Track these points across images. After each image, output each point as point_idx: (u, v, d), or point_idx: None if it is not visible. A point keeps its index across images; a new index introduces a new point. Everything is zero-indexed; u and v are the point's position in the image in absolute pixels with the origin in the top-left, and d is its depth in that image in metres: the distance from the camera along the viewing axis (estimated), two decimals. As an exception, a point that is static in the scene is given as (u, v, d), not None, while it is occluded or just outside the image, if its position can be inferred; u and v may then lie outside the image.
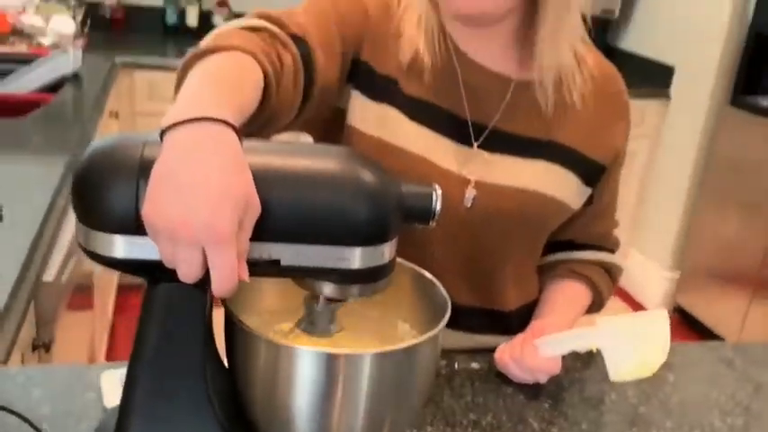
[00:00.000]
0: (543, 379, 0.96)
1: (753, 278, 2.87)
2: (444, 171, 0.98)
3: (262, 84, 0.73)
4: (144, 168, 0.57)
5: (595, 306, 1.16)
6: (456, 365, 0.98)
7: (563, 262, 1.15)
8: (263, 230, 0.59)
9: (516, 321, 1.09)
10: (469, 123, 1.00)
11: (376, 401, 0.66)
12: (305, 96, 0.86)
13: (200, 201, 0.54)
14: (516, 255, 1.06)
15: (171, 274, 0.56)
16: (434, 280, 0.77)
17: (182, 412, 0.64)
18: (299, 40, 0.85)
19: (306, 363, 0.64)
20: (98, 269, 2.11)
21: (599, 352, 0.89)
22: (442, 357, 0.98)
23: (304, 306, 0.70)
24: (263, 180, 0.58)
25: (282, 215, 0.59)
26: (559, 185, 1.02)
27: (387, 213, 0.62)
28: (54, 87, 2.24)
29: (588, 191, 1.07)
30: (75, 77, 2.34)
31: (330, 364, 0.64)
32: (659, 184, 3.41)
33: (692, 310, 3.19)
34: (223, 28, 0.81)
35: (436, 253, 1.01)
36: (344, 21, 0.96)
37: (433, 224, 0.67)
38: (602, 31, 3.64)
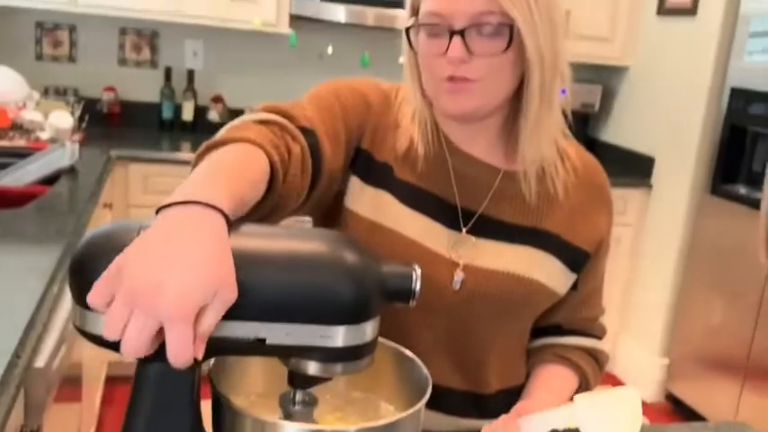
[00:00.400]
0: None
1: (742, 364, 2.87)
2: (434, 254, 1.03)
3: (268, 173, 0.78)
4: None
5: (581, 392, 1.16)
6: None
7: (549, 347, 1.17)
8: (250, 310, 0.62)
9: (499, 405, 1.10)
10: (459, 209, 1.05)
11: None
12: (312, 184, 0.92)
13: (171, 274, 0.57)
14: (502, 338, 1.09)
15: (160, 354, 0.59)
16: (415, 358, 0.80)
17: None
18: (307, 132, 0.92)
19: None
20: (87, 360, 2.11)
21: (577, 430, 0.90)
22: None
23: (280, 406, 0.73)
24: (251, 262, 0.62)
25: (268, 295, 0.63)
26: (544, 271, 1.06)
27: (368, 293, 0.66)
28: (51, 180, 2.30)
29: (573, 277, 1.11)
30: (71, 170, 2.39)
31: None
32: (645, 271, 3.46)
33: (684, 397, 3.17)
34: (237, 121, 0.88)
35: (424, 335, 1.04)
36: (348, 112, 1.03)
37: (413, 303, 0.70)
38: (584, 124, 3.77)
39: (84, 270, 0.63)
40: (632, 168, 3.45)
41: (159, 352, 0.59)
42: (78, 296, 0.63)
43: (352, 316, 0.65)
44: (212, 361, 0.73)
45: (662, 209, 3.36)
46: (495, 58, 0.95)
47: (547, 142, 1.04)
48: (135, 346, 0.58)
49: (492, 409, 1.09)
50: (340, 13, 3.15)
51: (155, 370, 0.64)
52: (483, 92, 0.98)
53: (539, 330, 1.17)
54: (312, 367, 0.68)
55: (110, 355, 2.73)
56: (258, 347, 0.64)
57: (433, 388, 1.00)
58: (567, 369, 1.14)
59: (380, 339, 0.75)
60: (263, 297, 0.63)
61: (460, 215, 1.05)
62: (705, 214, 3.13)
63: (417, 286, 0.69)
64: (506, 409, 1.04)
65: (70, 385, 1.73)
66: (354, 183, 1.06)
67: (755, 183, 2.85)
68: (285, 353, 0.68)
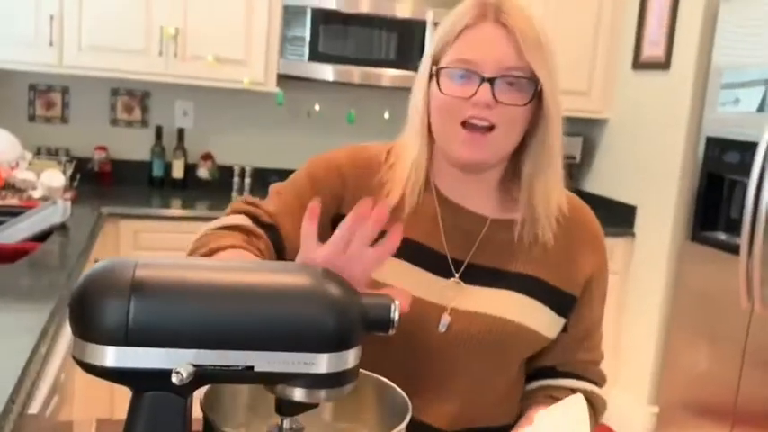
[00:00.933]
0: None
1: (729, 410, 2.88)
2: (422, 301, 1.07)
3: None
4: (135, 287, 0.65)
5: None
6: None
7: (543, 388, 1.19)
8: (240, 339, 0.66)
9: None
10: (449, 259, 1.11)
11: None
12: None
13: None
14: (490, 379, 1.12)
15: (155, 383, 0.63)
16: (395, 386, 0.84)
17: None
18: (269, 228, 1.07)
19: None
20: (77, 418, 2.11)
21: None
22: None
23: None
24: (241, 294, 0.67)
25: (256, 325, 0.67)
26: (529, 314, 1.10)
27: (350, 323, 0.70)
28: (43, 237, 2.33)
29: (561, 320, 1.14)
30: (62, 227, 2.43)
31: None
32: (632, 319, 3.49)
33: (675, 444, 3.17)
34: (205, 230, 1.02)
35: (414, 377, 1.07)
36: (320, 186, 1.13)
37: (392, 332, 0.74)
38: (567, 176, 3.84)
39: (83, 305, 0.67)
40: (615, 218, 3.53)
41: (154, 380, 0.63)
42: (77, 329, 0.67)
43: (335, 344, 0.69)
44: (203, 392, 0.77)
45: (645, 257, 3.42)
46: (516, 109, 1.04)
47: (555, 194, 1.11)
48: None
49: None
50: (327, 73, 3.25)
51: (149, 399, 0.68)
52: (496, 142, 1.05)
53: (534, 373, 1.19)
54: (298, 393, 0.71)
55: (98, 411, 2.73)
56: (247, 375, 0.68)
57: (422, 427, 1.03)
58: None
59: (362, 371, 0.79)
60: (253, 327, 0.67)
61: (450, 263, 1.10)
62: (687, 261, 3.19)
63: (396, 316, 0.73)
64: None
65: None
66: None
67: (734, 229, 2.92)
68: (272, 379, 0.71)
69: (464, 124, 1.05)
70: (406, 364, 1.06)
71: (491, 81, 1.02)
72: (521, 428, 1.01)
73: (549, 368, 1.19)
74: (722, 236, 3.02)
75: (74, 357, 0.68)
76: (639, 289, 3.45)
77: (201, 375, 0.66)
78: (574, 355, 1.19)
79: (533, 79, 1.04)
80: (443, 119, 1.08)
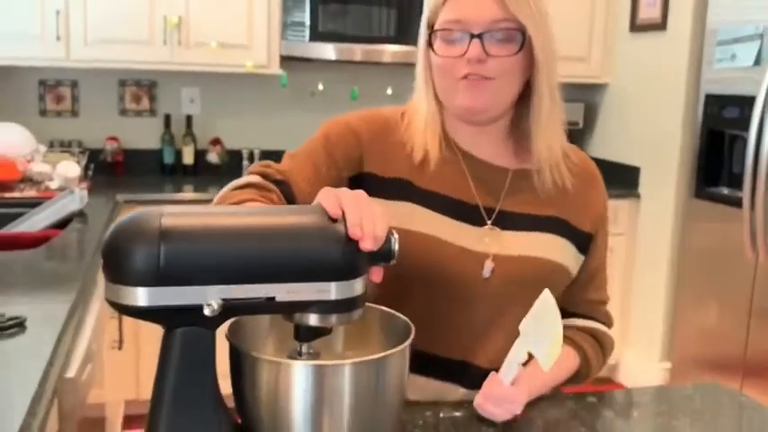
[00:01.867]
0: (518, 409, 1.07)
1: (740, 362, 2.94)
2: (464, 249, 1.15)
3: None
4: (163, 233, 0.73)
5: (583, 373, 1.24)
6: (441, 414, 1.09)
7: None
8: (261, 274, 0.74)
9: None
10: (481, 207, 1.18)
11: (356, 406, 0.80)
12: None
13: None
14: (514, 317, 1.15)
15: (185, 319, 0.70)
16: (398, 314, 0.93)
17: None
18: (279, 183, 1.12)
19: (298, 374, 0.79)
20: (108, 399, 2.19)
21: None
22: (426, 407, 1.10)
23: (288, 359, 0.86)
24: (260, 234, 0.74)
25: (275, 260, 0.76)
26: (562, 253, 1.19)
27: (355, 254, 0.79)
28: (62, 225, 2.41)
29: (581, 258, 1.23)
30: (81, 214, 2.51)
31: (318, 373, 0.79)
32: (641, 278, 3.56)
33: (689, 398, 3.23)
34: (222, 192, 1.10)
35: (461, 321, 1.15)
36: (333, 146, 1.19)
37: (393, 262, 0.83)
38: (570, 141, 3.89)
39: (114, 252, 0.74)
40: (620, 180, 3.58)
41: (185, 316, 0.71)
42: (111, 274, 0.75)
43: (343, 273, 0.78)
44: (227, 326, 0.84)
45: (651, 216, 3.48)
46: (508, 59, 1.10)
47: (556, 137, 1.18)
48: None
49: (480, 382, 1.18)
50: (329, 52, 3.31)
51: (180, 334, 0.76)
52: (496, 90, 1.12)
53: None
54: (312, 319, 0.80)
55: (126, 393, 2.82)
56: (269, 305, 0.77)
57: (468, 367, 1.13)
58: (565, 346, 1.21)
59: (367, 304, 0.87)
60: (272, 262, 0.76)
61: (482, 212, 1.17)
62: (692, 218, 3.24)
63: (395, 247, 0.82)
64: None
65: (92, 429, 1.82)
66: None
67: (736, 183, 2.96)
68: (291, 309, 0.80)
69: (464, 78, 1.11)
70: (452, 313, 1.13)
71: (480, 37, 1.08)
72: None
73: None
74: (725, 191, 3.07)
75: (108, 300, 0.76)
76: (647, 248, 3.51)
77: (228, 308, 0.74)
78: (582, 295, 1.26)
79: (521, 30, 1.09)
80: (443, 78, 1.14)
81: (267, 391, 0.80)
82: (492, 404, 1.07)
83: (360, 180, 1.19)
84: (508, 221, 1.18)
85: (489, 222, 1.17)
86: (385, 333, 0.92)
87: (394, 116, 1.24)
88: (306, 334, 0.83)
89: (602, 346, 1.27)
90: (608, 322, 1.30)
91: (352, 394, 0.79)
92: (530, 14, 1.09)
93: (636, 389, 1.29)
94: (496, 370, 1.15)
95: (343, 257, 0.77)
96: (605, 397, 1.22)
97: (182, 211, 0.77)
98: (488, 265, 1.15)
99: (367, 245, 0.78)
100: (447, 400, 1.16)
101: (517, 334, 1.08)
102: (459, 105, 1.14)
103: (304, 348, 0.84)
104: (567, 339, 1.22)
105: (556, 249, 1.18)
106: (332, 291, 0.78)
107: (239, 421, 0.84)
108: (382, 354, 0.81)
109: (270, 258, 0.76)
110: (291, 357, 0.85)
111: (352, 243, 0.78)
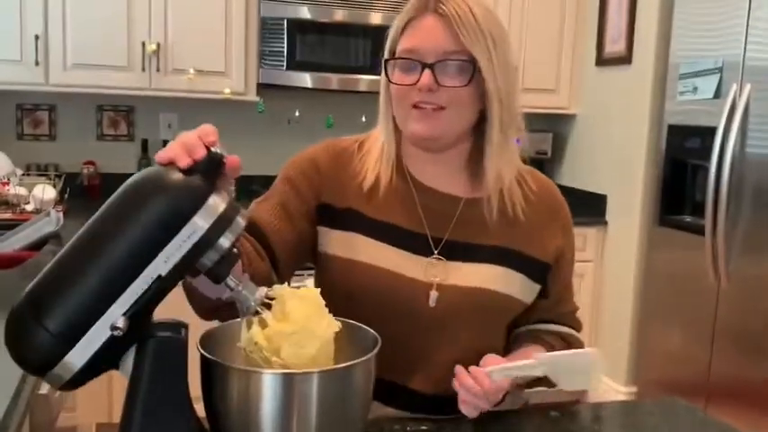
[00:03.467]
0: (487, 407, 1.11)
1: (704, 385, 3.00)
2: (410, 279, 1.18)
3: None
4: (35, 314, 0.76)
5: None
6: (408, 428, 1.13)
7: (525, 332, 1.30)
8: (131, 267, 0.76)
9: None
10: (429, 237, 1.21)
11: (324, 413, 0.84)
12: (274, 256, 1.16)
13: None
14: (475, 345, 1.21)
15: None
16: (365, 327, 0.97)
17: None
18: (250, 227, 1.11)
19: (267, 382, 0.83)
20: (80, 422, 2.20)
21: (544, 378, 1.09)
22: (400, 423, 1.14)
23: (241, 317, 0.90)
24: (103, 235, 0.80)
25: (131, 247, 0.77)
26: (506, 284, 1.21)
27: (185, 182, 0.80)
28: (38, 246, 2.43)
29: (537, 286, 1.25)
30: (56, 236, 2.53)
31: (287, 381, 0.83)
32: (608, 304, 3.63)
33: (655, 421, 3.28)
34: None
35: (406, 347, 1.18)
36: (298, 184, 1.23)
37: (225, 160, 0.85)
38: (539, 170, 3.99)
39: (20, 362, 0.78)
40: (588, 207, 3.67)
41: (122, 345, 0.75)
42: (34, 374, 0.80)
43: (189, 203, 0.78)
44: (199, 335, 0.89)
45: (617, 243, 3.57)
46: (459, 90, 1.13)
47: (508, 166, 1.21)
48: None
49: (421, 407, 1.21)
50: (306, 80, 3.38)
51: (153, 344, 0.80)
52: (447, 119, 1.15)
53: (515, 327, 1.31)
54: (211, 255, 0.82)
55: (98, 416, 2.82)
56: (170, 282, 0.78)
57: (409, 393, 1.17)
58: (538, 346, 1.26)
59: (337, 318, 0.92)
60: (126, 251, 0.77)
61: (431, 242, 1.20)
62: (656, 244, 3.33)
63: (220, 150, 0.84)
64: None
65: None
66: (322, 231, 1.23)
67: (699, 211, 3.04)
68: (187, 267, 0.80)
69: (415, 107, 1.16)
70: (397, 339, 1.14)
71: (431, 66, 1.13)
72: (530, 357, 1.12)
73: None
74: (688, 218, 3.16)
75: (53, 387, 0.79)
76: (613, 275, 3.59)
77: (137, 314, 0.76)
78: (553, 311, 1.31)
79: (472, 62, 1.13)
80: (398, 106, 1.19)
81: (238, 399, 0.84)
82: (473, 396, 1.09)
83: (321, 210, 1.23)
84: (455, 252, 1.20)
85: (436, 252, 1.20)
86: (353, 344, 0.95)
87: (351, 146, 1.27)
88: (221, 270, 0.84)
89: (572, 347, 1.29)
90: (577, 327, 1.34)
91: (320, 402, 0.83)
92: (483, 48, 1.12)
93: (597, 403, 1.34)
94: (438, 396, 1.19)
95: (175, 192, 0.78)
96: (568, 413, 1.25)
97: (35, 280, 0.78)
98: (433, 295, 1.17)
99: (181, 163, 0.79)
100: (410, 416, 1.18)
101: (463, 361, 1.11)
102: (412, 132, 1.18)
103: (231, 283, 0.86)
104: (538, 339, 1.27)
105: (498, 280, 1.19)
106: (198, 224, 0.77)
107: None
108: (349, 363, 0.85)
109: (125, 249, 0.75)
110: (242, 312, 0.88)
111: (168, 178, 0.79)
